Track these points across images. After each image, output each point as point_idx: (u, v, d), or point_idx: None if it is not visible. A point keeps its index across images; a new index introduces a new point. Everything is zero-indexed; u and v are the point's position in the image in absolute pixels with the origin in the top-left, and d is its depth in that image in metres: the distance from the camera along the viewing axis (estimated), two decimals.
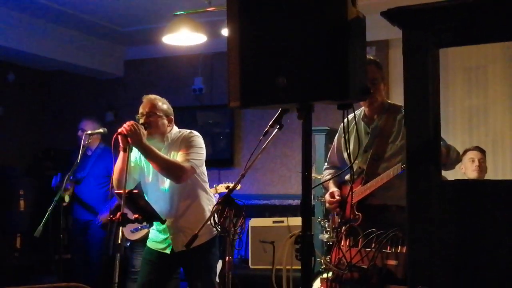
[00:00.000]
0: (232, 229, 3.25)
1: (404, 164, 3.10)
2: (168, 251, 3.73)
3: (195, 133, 3.82)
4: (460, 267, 2.31)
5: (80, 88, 7.98)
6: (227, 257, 3.34)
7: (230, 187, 3.14)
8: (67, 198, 4.81)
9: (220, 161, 7.12)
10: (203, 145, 3.81)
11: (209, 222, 3.68)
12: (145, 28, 6.83)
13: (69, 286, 2.11)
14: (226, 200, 3.12)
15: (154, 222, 3.74)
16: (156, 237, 3.82)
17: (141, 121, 3.71)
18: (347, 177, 3.50)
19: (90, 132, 3.81)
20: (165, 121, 3.78)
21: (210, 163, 6.84)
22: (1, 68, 7.32)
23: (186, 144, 3.73)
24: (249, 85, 2.26)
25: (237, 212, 3.21)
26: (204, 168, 3.87)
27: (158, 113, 3.74)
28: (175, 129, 3.87)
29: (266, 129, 2.75)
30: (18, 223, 6.28)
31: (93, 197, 5.72)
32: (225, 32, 2.89)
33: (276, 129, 2.69)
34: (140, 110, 3.78)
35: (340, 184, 3.56)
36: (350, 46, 2.10)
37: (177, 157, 3.70)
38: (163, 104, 3.81)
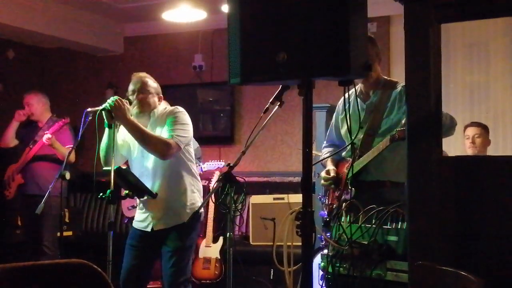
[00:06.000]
0: (233, 206, 3.26)
1: (392, 137, 3.10)
2: (149, 229, 3.72)
3: (180, 109, 3.76)
4: (459, 243, 2.31)
5: (79, 65, 7.95)
6: (228, 234, 3.36)
7: (231, 164, 3.14)
8: (67, 176, 4.80)
9: (220, 138, 7.12)
10: (189, 122, 3.74)
11: (191, 203, 3.71)
12: (145, 5, 6.78)
13: (71, 263, 2.12)
14: (226, 177, 3.13)
15: (145, 197, 3.72)
16: (139, 216, 3.82)
17: (132, 98, 3.70)
18: (344, 154, 3.51)
19: (90, 110, 3.78)
20: (156, 99, 3.77)
21: (210, 140, 6.95)
22: (0, 45, 7.28)
23: (171, 120, 3.68)
24: (250, 61, 2.25)
25: (237, 189, 3.22)
26: (190, 148, 3.81)
27: (150, 90, 3.73)
28: (162, 105, 3.83)
29: (267, 106, 2.74)
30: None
31: None
32: (225, 8, 2.87)
33: (277, 106, 2.68)
34: (131, 87, 3.75)
35: (337, 162, 3.57)
36: (351, 21, 2.08)
37: (162, 133, 3.66)
38: (154, 82, 3.80)
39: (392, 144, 3.16)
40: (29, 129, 5.85)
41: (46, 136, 5.38)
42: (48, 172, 5.57)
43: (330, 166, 3.52)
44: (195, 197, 3.77)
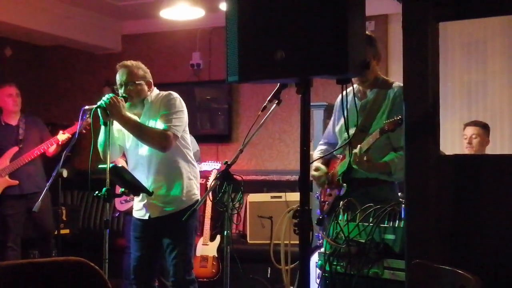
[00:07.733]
0: (230, 204, 3.26)
1: (381, 129, 3.10)
2: (147, 217, 3.72)
3: (174, 94, 3.72)
4: (457, 241, 2.32)
5: (77, 63, 7.93)
6: (225, 232, 3.35)
7: (229, 162, 3.14)
8: (65, 173, 4.80)
9: (218, 136, 7.12)
10: (183, 107, 3.71)
11: (187, 191, 3.70)
12: (143, 2, 6.77)
13: (68, 261, 2.12)
14: (224, 175, 3.13)
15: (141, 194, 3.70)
16: (137, 205, 3.81)
17: (121, 91, 3.68)
18: (335, 152, 3.50)
19: (87, 108, 3.76)
20: (145, 87, 3.72)
21: (208, 138, 6.94)
22: None
23: (166, 108, 3.64)
24: (248, 59, 2.25)
25: (235, 187, 3.21)
26: (186, 134, 3.77)
27: (136, 81, 3.69)
28: (155, 91, 3.79)
29: (265, 104, 2.74)
30: None
31: None
32: (223, 6, 2.86)
33: (275, 105, 2.69)
34: (117, 80, 3.72)
35: (329, 160, 3.56)
36: (349, 20, 2.08)
37: (157, 123, 3.63)
38: (139, 70, 3.73)
39: (380, 143, 3.16)
40: (3, 131, 5.58)
41: (66, 135, 5.27)
42: (40, 168, 5.58)
43: (317, 163, 3.50)
44: (191, 184, 3.76)
